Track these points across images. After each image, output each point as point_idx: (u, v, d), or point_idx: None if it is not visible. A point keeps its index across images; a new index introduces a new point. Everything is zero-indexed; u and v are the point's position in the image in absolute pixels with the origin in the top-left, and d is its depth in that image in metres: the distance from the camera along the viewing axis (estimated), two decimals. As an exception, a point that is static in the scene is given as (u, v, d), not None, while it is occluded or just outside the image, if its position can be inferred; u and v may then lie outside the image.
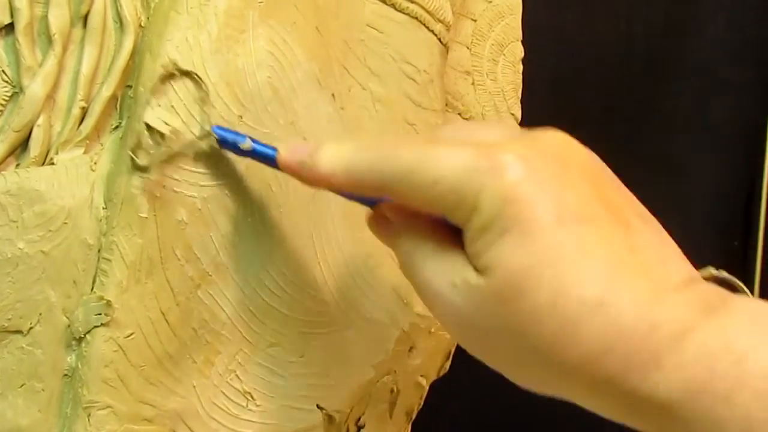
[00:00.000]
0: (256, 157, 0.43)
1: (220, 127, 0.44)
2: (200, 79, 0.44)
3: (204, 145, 0.44)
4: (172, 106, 0.44)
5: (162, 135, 0.43)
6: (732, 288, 0.36)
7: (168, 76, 0.44)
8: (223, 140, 0.44)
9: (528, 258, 0.33)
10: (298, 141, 0.41)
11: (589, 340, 0.32)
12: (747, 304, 0.34)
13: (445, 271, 0.36)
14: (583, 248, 0.33)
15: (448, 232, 0.36)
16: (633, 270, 0.33)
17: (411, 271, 0.38)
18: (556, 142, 0.36)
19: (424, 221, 0.37)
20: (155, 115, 0.44)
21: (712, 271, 0.37)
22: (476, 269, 0.35)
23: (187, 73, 0.44)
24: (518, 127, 0.38)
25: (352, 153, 0.38)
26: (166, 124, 0.44)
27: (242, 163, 0.45)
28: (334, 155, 0.39)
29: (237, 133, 0.44)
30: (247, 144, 0.43)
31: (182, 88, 0.44)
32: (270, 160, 0.42)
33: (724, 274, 0.37)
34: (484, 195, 0.34)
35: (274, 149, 0.42)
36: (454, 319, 0.36)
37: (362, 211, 0.44)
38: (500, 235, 0.33)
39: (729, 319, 0.33)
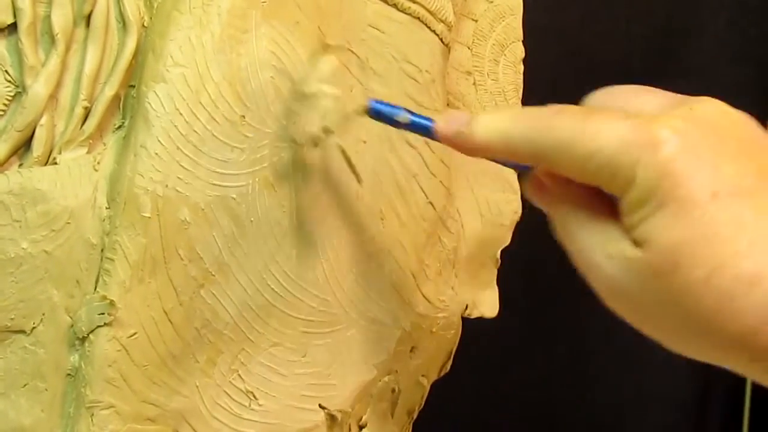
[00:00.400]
0: (412, 129, 0.44)
1: (377, 101, 0.45)
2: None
3: (360, 117, 0.46)
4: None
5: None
6: None
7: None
8: (379, 113, 0.45)
9: (683, 233, 0.33)
10: (454, 111, 0.42)
11: (747, 315, 0.33)
12: None
13: (601, 242, 0.36)
14: (738, 223, 0.33)
15: (603, 201, 0.37)
16: None
17: (566, 239, 0.38)
18: (714, 111, 0.36)
19: (579, 188, 0.38)
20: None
21: None
22: (632, 241, 0.35)
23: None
24: (672, 94, 0.38)
25: (508, 123, 0.39)
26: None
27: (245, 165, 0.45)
28: (490, 125, 0.39)
29: (394, 106, 0.44)
30: (404, 117, 0.43)
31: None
32: (426, 131, 0.43)
33: None
34: (640, 169, 0.34)
35: (431, 120, 0.42)
36: (610, 289, 0.36)
37: (365, 212, 0.44)
38: (656, 209, 0.34)
39: None
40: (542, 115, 0.38)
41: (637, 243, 0.35)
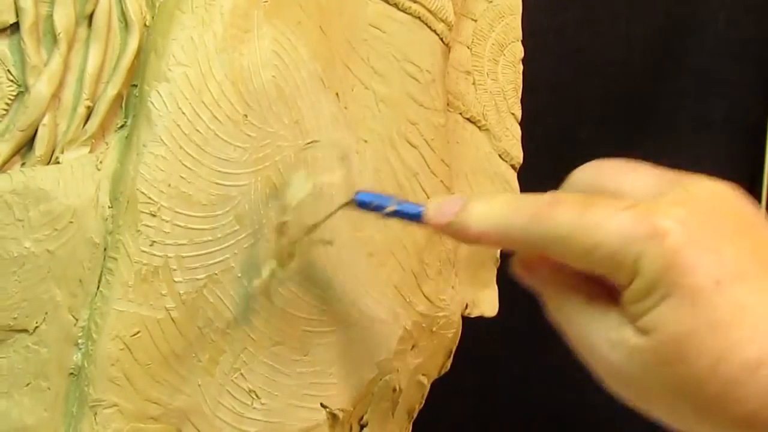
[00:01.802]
0: (401, 217, 0.43)
1: (364, 193, 0.44)
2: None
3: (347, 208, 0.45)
4: None
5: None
6: None
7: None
8: (366, 204, 0.44)
9: (689, 323, 0.34)
10: (445, 198, 0.41)
11: (752, 399, 0.33)
12: None
13: (601, 328, 0.36)
14: (741, 309, 0.34)
15: (599, 285, 0.37)
16: None
17: (562, 322, 0.38)
18: (710, 194, 0.36)
19: (574, 272, 0.37)
20: None
21: None
22: (636, 329, 0.35)
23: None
24: (664, 170, 0.38)
25: (503, 213, 0.38)
26: None
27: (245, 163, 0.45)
28: (483, 215, 0.38)
29: (382, 196, 0.44)
30: (392, 206, 0.43)
31: None
32: (417, 220, 0.42)
33: None
34: (644, 261, 0.34)
35: (420, 208, 0.41)
36: (613, 374, 0.36)
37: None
38: (661, 299, 0.34)
39: None
40: (539, 205, 0.37)
41: (641, 331, 0.35)
